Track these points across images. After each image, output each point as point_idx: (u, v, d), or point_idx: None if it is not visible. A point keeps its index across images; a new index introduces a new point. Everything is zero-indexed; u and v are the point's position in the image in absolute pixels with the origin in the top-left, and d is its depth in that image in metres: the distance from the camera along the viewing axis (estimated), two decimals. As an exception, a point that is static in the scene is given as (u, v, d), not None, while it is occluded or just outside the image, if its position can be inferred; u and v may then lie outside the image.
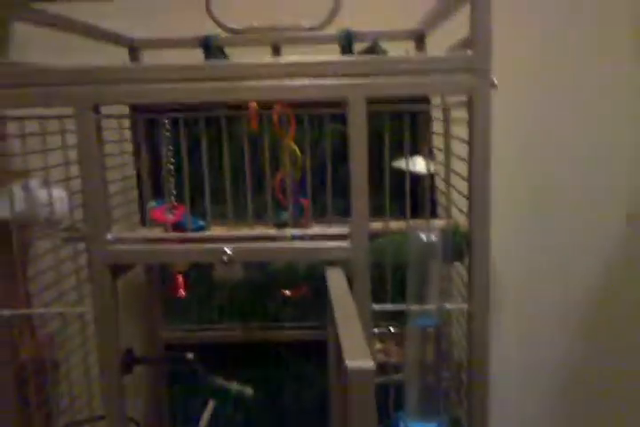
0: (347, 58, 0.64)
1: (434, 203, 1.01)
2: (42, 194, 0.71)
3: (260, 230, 0.71)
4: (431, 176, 1.02)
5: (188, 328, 1.14)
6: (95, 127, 0.64)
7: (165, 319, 1.13)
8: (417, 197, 0.97)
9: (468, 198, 0.66)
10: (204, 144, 0.71)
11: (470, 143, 0.64)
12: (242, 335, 1.14)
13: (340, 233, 0.67)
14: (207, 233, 0.71)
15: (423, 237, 0.61)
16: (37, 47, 0.97)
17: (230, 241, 0.67)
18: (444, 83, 0.64)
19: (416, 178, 0.92)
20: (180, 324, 1.14)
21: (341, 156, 0.75)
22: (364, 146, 0.64)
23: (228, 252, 0.65)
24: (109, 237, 0.65)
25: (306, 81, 0.63)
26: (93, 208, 0.64)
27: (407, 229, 0.67)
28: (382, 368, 0.85)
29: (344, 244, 0.66)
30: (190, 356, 1.02)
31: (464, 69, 0.63)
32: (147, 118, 0.78)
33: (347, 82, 0.63)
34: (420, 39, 1.06)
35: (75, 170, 0.72)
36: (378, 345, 0.97)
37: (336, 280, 0.61)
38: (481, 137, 0.64)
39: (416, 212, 0.82)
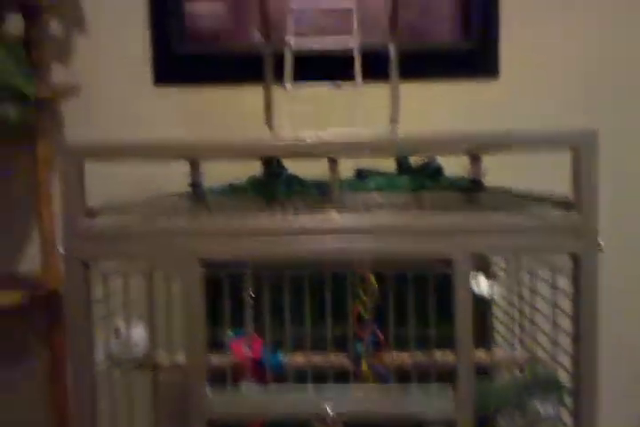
0: (453, 216, 0.64)
1: (489, 329, 1.00)
2: (134, 335, 0.70)
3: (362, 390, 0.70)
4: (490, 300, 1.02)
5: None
6: (199, 279, 0.63)
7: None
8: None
9: (573, 360, 0.65)
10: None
11: (576, 303, 0.64)
12: None
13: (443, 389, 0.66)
14: (305, 391, 0.69)
15: (543, 411, 0.60)
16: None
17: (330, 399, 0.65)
18: (548, 243, 0.64)
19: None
20: None
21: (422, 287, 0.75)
22: (469, 306, 0.64)
23: (330, 413, 0.63)
24: (208, 392, 0.63)
25: (406, 240, 0.63)
26: (194, 367, 0.63)
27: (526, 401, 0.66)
28: None
29: (447, 404, 0.64)
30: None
31: (569, 231, 0.64)
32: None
33: (452, 239, 0.63)
34: (476, 157, 1.08)
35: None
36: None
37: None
38: (588, 296, 0.64)
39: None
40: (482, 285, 0.93)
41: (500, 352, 0.84)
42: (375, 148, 0.66)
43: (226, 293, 0.76)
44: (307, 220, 0.64)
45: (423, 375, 0.78)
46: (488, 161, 1.08)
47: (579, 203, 0.64)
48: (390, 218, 0.65)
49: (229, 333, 0.78)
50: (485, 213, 0.65)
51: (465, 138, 0.65)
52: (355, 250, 0.63)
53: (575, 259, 0.64)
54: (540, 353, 0.76)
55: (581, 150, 0.64)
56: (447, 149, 0.67)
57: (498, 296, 0.96)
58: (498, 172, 1.01)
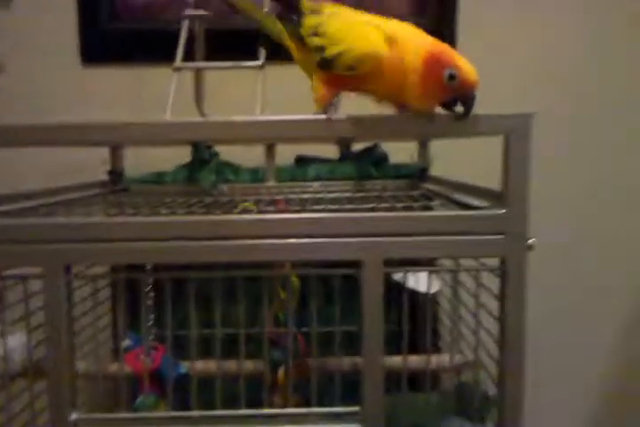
0: (364, 215, 0.56)
1: (435, 332, 0.92)
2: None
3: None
4: (433, 298, 0.92)
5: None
6: (65, 288, 0.54)
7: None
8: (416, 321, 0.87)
9: (498, 364, 0.57)
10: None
11: (503, 308, 0.56)
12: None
13: (350, 411, 0.57)
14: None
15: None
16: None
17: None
18: (472, 245, 0.56)
19: (416, 297, 0.83)
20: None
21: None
22: (379, 312, 0.55)
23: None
24: (73, 417, 0.55)
25: (314, 241, 0.55)
26: (57, 387, 0.54)
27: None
28: None
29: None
30: None
31: (496, 230, 0.55)
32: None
33: (361, 242, 0.54)
34: (424, 143, 0.99)
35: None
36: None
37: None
38: (515, 301, 0.55)
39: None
40: (421, 280, 0.82)
41: (434, 358, 0.75)
42: (314, 130, 0.56)
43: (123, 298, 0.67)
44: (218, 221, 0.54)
45: (349, 382, 0.69)
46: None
47: (507, 195, 0.55)
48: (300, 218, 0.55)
49: (126, 341, 0.69)
50: (406, 214, 0.56)
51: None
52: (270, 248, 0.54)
53: (502, 260, 0.56)
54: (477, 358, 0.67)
55: (512, 136, 0.55)
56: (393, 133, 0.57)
57: (439, 293, 0.88)
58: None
